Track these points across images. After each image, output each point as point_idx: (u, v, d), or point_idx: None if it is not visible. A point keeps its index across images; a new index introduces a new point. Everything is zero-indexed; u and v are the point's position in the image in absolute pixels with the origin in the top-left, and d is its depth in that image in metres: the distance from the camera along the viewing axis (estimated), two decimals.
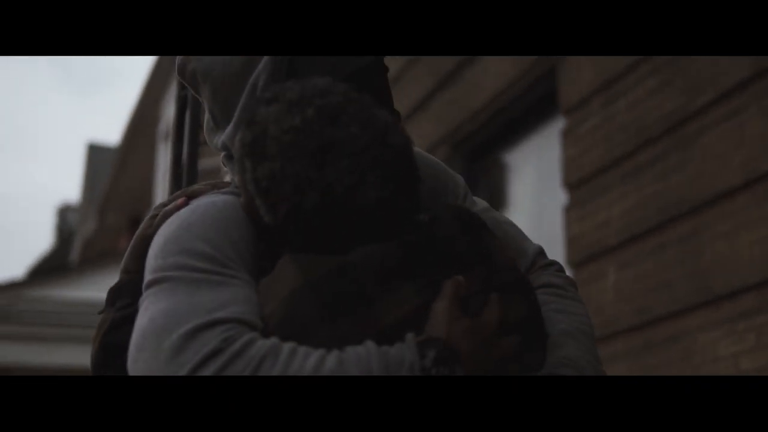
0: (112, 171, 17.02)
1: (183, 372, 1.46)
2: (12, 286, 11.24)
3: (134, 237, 1.82)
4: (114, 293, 1.81)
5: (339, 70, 1.74)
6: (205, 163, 3.80)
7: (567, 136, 5.95)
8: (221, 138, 1.83)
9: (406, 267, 1.58)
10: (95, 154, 23.71)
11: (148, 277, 1.63)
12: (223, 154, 1.88)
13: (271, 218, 1.60)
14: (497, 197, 7.23)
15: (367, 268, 1.55)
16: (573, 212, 5.80)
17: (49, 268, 21.24)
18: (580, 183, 5.74)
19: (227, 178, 1.94)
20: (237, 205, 1.70)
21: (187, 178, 3.18)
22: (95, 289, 10.90)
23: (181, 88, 3.33)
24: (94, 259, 15.12)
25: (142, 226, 1.82)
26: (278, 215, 1.58)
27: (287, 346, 1.49)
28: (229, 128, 1.79)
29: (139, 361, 1.53)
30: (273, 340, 1.50)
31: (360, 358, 1.48)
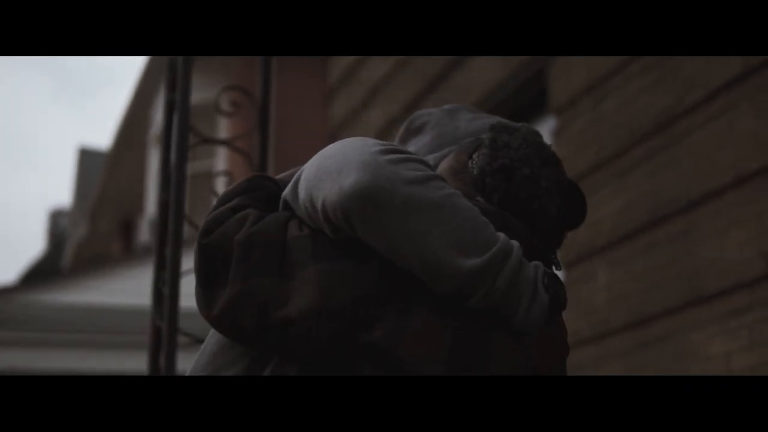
0: (104, 176, 16.98)
1: (385, 147, 1.62)
2: (4, 291, 11.19)
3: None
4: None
5: None
6: (194, 166, 3.80)
7: (557, 136, 5.95)
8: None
9: (535, 259, 1.79)
10: (86, 158, 23.66)
11: None
12: None
13: (485, 163, 1.88)
14: None
15: (518, 231, 1.77)
16: None
17: (42, 273, 21.21)
18: None
19: None
20: None
21: (175, 181, 3.17)
22: (88, 293, 10.87)
23: (170, 91, 3.33)
24: (86, 264, 15.11)
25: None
26: (493, 164, 1.87)
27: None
28: (437, 154, 2.00)
29: (338, 143, 1.67)
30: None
31: (505, 237, 1.66)
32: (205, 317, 1.68)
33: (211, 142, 3.71)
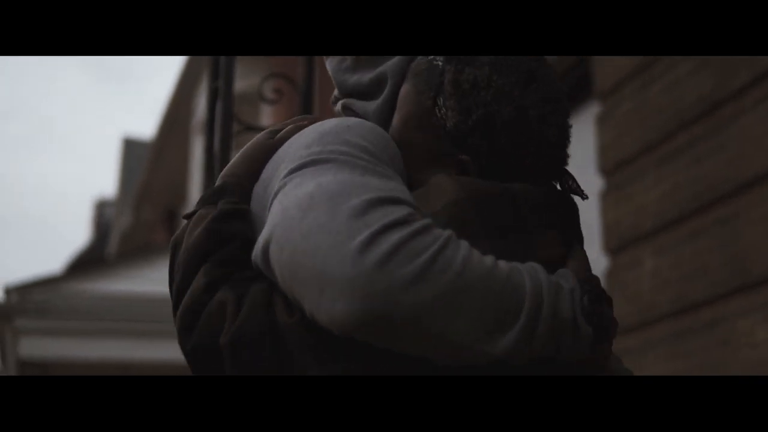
0: (148, 165, 17.10)
1: (366, 232, 1.37)
2: (50, 281, 11.30)
3: (247, 145, 1.72)
4: (215, 193, 1.65)
5: None
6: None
7: (602, 120, 5.91)
8: (358, 77, 1.82)
9: (553, 214, 1.61)
10: (131, 148, 23.86)
11: (299, 161, 1.52)
12: (340, 102, 1.86)
13: (458, 120, 1.61)
14: None
15: (527, 200, 1.57)
16: (609, 198, 5.77)
17: (87, 263, 21.38)
18: (616, 168, 5.70)
19: None
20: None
21: (219, 169, 3.17)
22: (132, 282, 10.96)
23: (213, 79, 3.33)
24: (131, 253, 15.21)
25: (258, 137, 1.73)
26: (470, 119, 1.60)
27: (464, 242, 1.42)
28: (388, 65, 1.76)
29: (307, 218, 1.40)
30: (450, 231, 1.43)
31: (530, 269, 1.46)
32: None
33: (255, 129, 3.71)
